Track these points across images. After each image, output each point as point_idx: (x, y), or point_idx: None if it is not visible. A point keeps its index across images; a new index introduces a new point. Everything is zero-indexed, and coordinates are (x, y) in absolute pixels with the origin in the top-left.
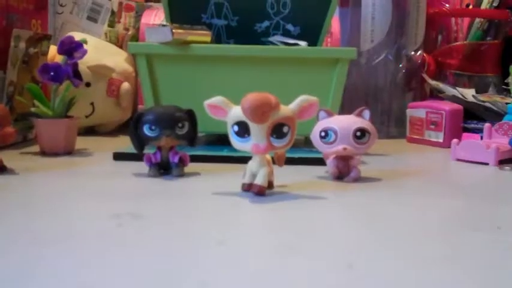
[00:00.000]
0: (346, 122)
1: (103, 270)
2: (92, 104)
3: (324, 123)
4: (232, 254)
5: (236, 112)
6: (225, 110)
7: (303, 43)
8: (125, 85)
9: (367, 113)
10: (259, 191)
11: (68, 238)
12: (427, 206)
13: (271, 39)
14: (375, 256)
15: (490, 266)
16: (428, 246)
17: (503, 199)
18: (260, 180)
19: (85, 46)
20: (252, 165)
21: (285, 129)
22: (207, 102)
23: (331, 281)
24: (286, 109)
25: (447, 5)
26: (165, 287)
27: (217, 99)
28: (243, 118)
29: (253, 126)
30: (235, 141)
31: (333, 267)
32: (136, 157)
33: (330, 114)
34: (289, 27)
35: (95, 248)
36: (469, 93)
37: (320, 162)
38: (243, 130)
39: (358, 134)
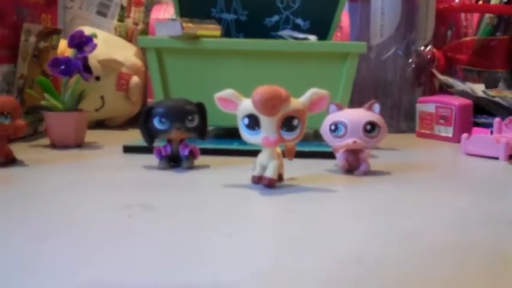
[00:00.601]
0: (356, 116)
1: (113, 259)
2: (102, 97)
3: (333, 116)
4: (241, 246)
5: (246, 105)
6: (235, 103)
7: (312, 37)
8: (135, 79)
9: (377, 107)
10: (270, 184)
11: (78, 228)
12: (437, 200)
13: (280, 33)
14: (383, 249)
15: (499, 260)
16: (437, 240)
17: None
18: (270, 173)
19: (95, 40)
20: (262, 158)
21: (295, 122)
22: (217, 95)
23: (339, 273)
24: (297, 102)
25: (456, 0)
26: (174, 277)
27: (227, 92)
28: (254, 111)
29: (263, 119)
30: (245, 134)
31: (340, 259)
32: (146, 150)
33: (340, 107)
34: (299, 21)
35: (104, 238)
36: (478, 89)
37: (330, 155)
38: (254, 123)
39: (368, 127)
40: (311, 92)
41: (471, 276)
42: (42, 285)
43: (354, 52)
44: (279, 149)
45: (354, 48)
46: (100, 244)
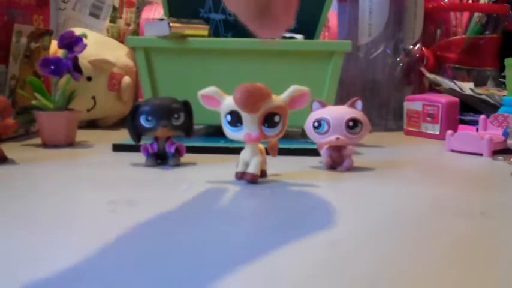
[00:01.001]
0: (339, 113)
1: (94, 252)
2: (94, 97)
3: (317, 113)
4: (223, 239)
5: (229, 102)
6: (219, 100)
7: (299, 36)
8: (126, 79)
9: (359, 104)
10: (252, 179)
11: (64, 223)
12: (415, 194)
13: None
14: (357, 236)
15: (470, 248)
16: (411, 229)
17: (491, 187)
18: (253, 169)
19: (85, 40)
20: (244, 154)
21: (277, 118)
22: (200, 92)
23: (315, 257)
24: (278, 99)
25: (446, 0)
26: (155, 271)
27: (210, 90)
28: (236, 108)
29: (245, 116)
30: (228, 130)
31: (317, 246)
32: (134, 148)
33: (323, 105)
34: None
35: (88, 233)
36: (467, 87)
37: (315, 153)
38: (236, 119)
39: (351, 124)
40: (292, 89)
41: (441, 264)
42: (24, 275)
43: (339, 50)
44: (261, 146)
45: (339, 46)
46: (83, 238)
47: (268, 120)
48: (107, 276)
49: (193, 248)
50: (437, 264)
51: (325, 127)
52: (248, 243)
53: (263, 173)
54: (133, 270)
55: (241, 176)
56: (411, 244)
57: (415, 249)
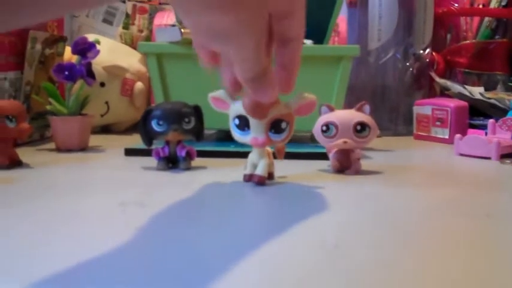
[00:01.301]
0: (347, 116)
1: (102, 251)
2: (107, 103)
3: (325, 117)
4: (230, 238)
5: (237, 106)
6: (227, 103)
7: (308, 42)
8: (139, 85)
9: (367, 108)
10: (260, 181)
11: (75, 223)
12: (421, 196)
13: None
14: (361, 237)
15: (472, 248)
16: (415, 229)
17: (498, 189)
18: (260, 171)
19: (98, 46)
20: (252, 157)
21: (283, 125)
22: (211, 94)
23: (317, 258)
24: (285, 106)
25: (456, 5)
26: (162, 269)
27: (220, 92)
28: (244, 112)
29: (252, 121)
30: (235, 133)
31: (319, 247)
32: (146, 152)
33: (331, 109)
34: None
35: (98, 231)
36: (476, 91)
37: (324, 156)
38: (243, 124)
39: (359, 127)
40: (299, 97)
41: (443, 263)
42: (40, 271)
43: (348, 55)
44: (269, 149)
45: (347, 51)
46: (92, 237)
47: (275, 126)
48: (113, 272)
49: (199, 247)
50: (440, 263)
51: (333, 131)
52: (252, 243)
53: (271, 176)
54: (138, 266)
55: (249, 178)
56: (414, 244)
57: (418, 249)
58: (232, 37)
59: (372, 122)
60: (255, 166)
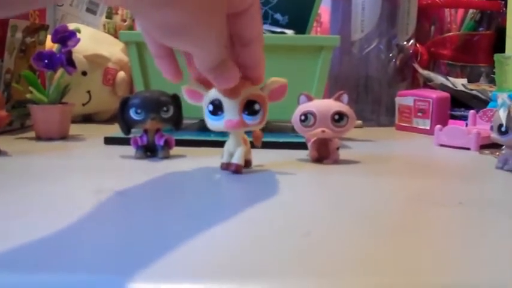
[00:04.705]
0: (325, 106)
1: (76, 238)
2: (89, 92)
3: (303, 107)
4: (205, 226)
5: (211, 93)
6: (201, 94)
7: (289, 32)
8: (121, 74)
9: (345, 97)
10: (236, 169)
11: (48, 210)
12: (397, 185)
13: None
14: (333, 226)
15: (445, 236)
16: (389, 218)
17: (474, 179)
18: (237, 159)
19: (79, 35)
20: (229, 145)
21: (257, 106)
22: (185, 87)
23: (289, 246)
24: (257, 88)
25: None
26: (135, 258)
27: (195, 85)
28: (217, 95)
29: (226, 102)
30: (209, 121)
31: (291, 234)
32: (125, 141)
33: (309, 98)
34: (278, 16)
35: (72, 219)
36: (459, 83)
37: (304, 146)
38: (217, 108)
39: (336, 117)
40: (270, 81)
41: (416, 251)
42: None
43: (328, 45)
44: (245, 136)
45: (328, 41)
46: (67, 221)
47: (249, 107)
48: (80, 257)
49: (169, 233)
50: (412, 250)
51: (311, 120)
52: (224, 230)
53: (248, 163)
54: (107, 251)
55: (226, 166)
56: (385, 232)
57: (389, 237)
58: (188, 32)
59: (350, 112)
60: (231, 154)
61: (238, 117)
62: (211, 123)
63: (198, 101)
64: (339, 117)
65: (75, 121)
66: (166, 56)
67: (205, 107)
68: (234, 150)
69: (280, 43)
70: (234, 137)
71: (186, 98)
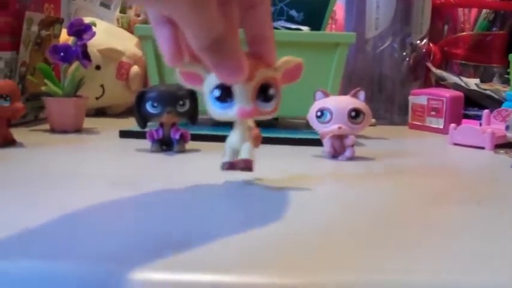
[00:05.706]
0: (341, 102)
1: (90, 230)
2: (102, 86)
3: (320, 103)
4: (219, 220)
5: (214, 76)
6: (202, 77)
7: (305, 28)
8: (134, 68)
9: (362, 94)
10: (246, 166)
11: (63, 201)
12: (412, 183)
13: (274, 24)
14: (347, 224)
15: (464, 235)
16: (406, 217)
17: (490, 178)
18: (245, 154)
19: (94, 29)
20: (232, 141)
21: (272, 91)
22: (180, 69)
23: (305, 243)
24: (271, 70)
25: None
26: (149, 250)
27: (193, 65)
28: None
29: (237, 87)
30: (215, 108)
31: (308, 231)
32: (141, 135)
33: (326, 94)
34: (293, 13)
35: (86, 211)
36: (472, 82)
37: (318, 143)
38: (225, 94)
39: (353, 114)
40: (284, 61)
41: (434, 249)
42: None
43: (344, 42)
44: (252, 124)
45: (343, 38)
46: (84, 215)
47: (263, 92)
48: (100, 243)
49: (187, 226)
50: (432, 249)
51: (328, 116)
52: (239, 226)
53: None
54: (124, 240)
55: (229, 166)
56: (402, 230)
57: (405, 235)
58: None
59: (366, 109)
60: (235, 152)
61: (252, 104)
62: (218, 112)
63: (197, 85)
64: (355, 114)
65: (88, 114)
66: (163, 23)
67: (209, 92)
68: (238, 147)
69: (295, 40)
70: (239, 130)
71: (182, 82)
